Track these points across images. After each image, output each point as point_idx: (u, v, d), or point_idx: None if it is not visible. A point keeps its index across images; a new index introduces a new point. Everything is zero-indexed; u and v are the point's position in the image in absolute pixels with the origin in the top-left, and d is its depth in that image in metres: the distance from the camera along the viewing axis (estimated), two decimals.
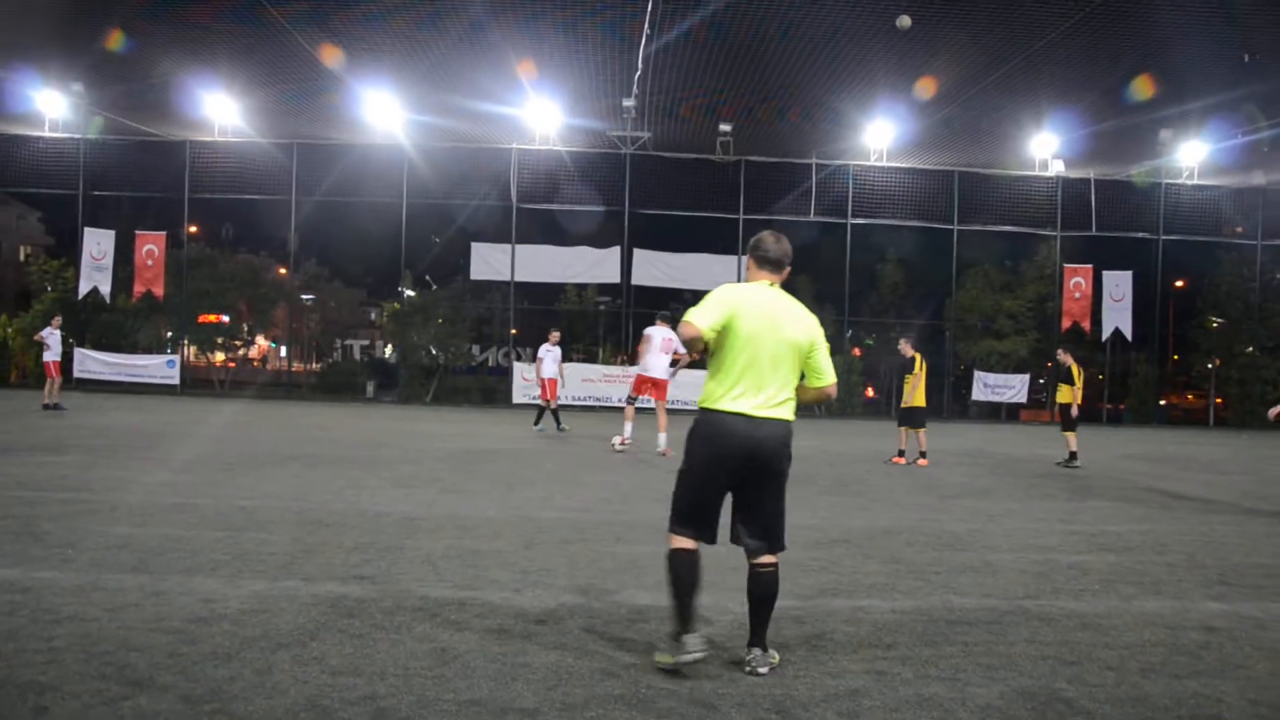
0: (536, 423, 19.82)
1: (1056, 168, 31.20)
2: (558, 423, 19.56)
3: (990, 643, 5.02)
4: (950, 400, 34.59)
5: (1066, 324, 31.98)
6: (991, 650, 4.88)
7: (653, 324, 15.64)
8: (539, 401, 20.41)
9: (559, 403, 20.17)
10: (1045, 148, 29.51)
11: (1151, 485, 13.20)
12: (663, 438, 15.06)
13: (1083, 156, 30.15)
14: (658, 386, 15.45)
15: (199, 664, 4.18)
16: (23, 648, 4.32)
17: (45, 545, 6.54)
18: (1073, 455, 15.66)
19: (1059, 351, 17.46)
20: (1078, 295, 32.24)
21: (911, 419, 15.81)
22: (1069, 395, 16.58)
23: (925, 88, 23.25)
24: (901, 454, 15.69)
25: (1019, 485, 12.78)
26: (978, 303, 32.75)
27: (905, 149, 30.32)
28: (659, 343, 15.18)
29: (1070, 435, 15.93)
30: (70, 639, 4.48)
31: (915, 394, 15.78)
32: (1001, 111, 25.76)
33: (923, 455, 15.25)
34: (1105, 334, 32.31)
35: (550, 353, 19.72)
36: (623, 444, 15.43)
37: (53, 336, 21.53)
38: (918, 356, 15.83)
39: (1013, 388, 32.10)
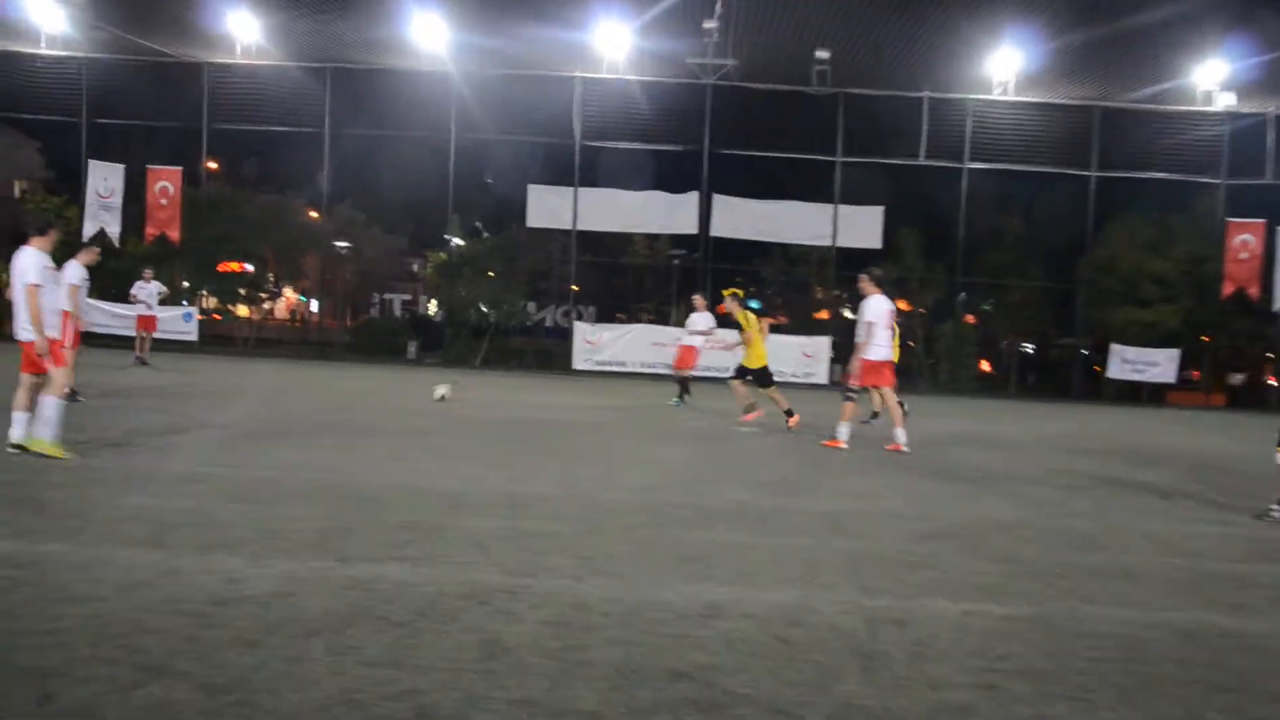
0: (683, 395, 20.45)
1: (1225, 101, 30.17)
2: (681, 394, 20.27)
3: (1125, 660, 4.91)
4: (1080, 378, 33.91)
5: (1229, 290, 30.94)
6: (1126, 669, 4.77)
7: (864, 287, 13.52)
8: (678, 372, 21.15)
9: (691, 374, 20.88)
10: (1212, 77, 28.55)
11: None
12: (901, 434, 13.42)
13: (1259, 87, 29.05)
14: (885, 370, 13.61)
15: (220, 650, 4.26)
16: (26, 629, 4.45)
17: (49, 515, 6.73)
18: None
19: None
20: (1244, 256, 31.07)
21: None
22: None
23: None
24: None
25: (1162, 478, 12.52)
26: (1118, 263, 31.66)
27: (1035, 80, 29.60)
28: (887, 317, 13.36)
29: None
30: (78, 619, 4.60)
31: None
32: (1156, 34, 24.96)
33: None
34: (1278, 303, 31.14)
35: (700, 318, 20.40)
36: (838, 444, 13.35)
37: (144, 290, 23.07)
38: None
39: (1157, 365, 31.12)
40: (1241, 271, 30.99)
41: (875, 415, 17.26)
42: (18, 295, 9.28)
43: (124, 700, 3.69)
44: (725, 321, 18.45)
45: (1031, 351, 38.36)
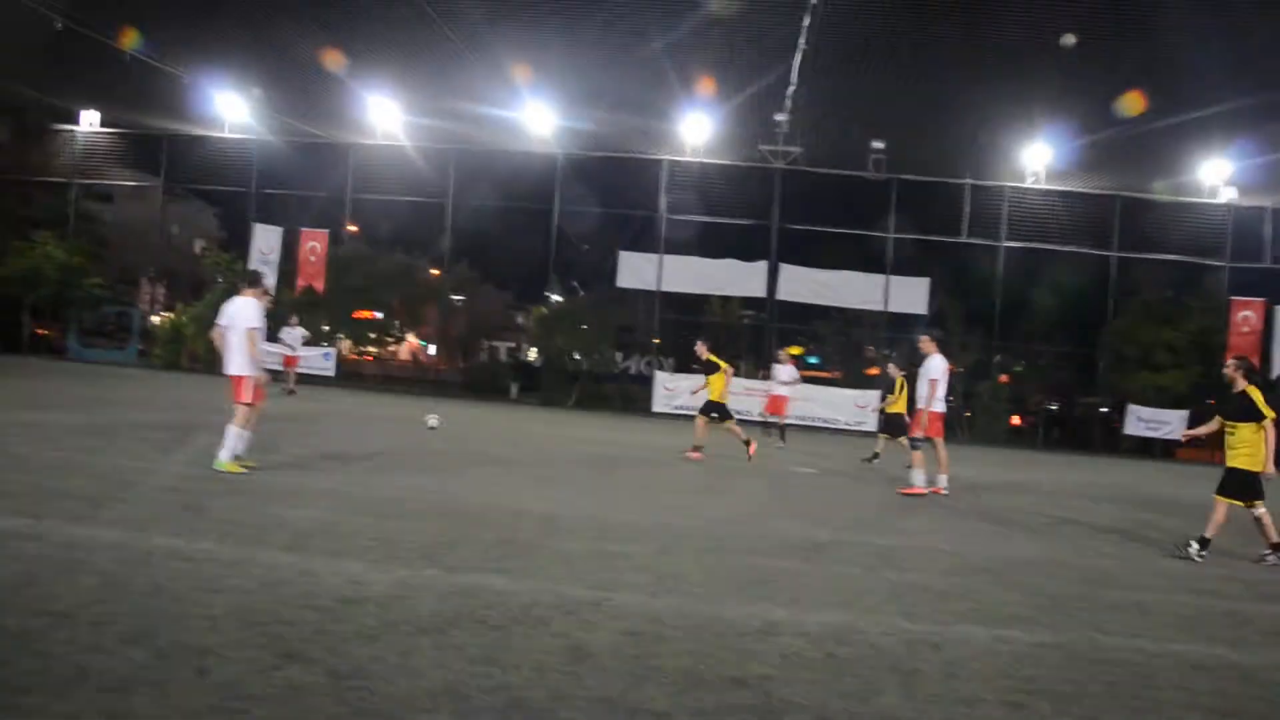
0: (774, 435, 20.85)
1: (1228, 194, 29.62)
2: (777, 436, 20.69)
3: (1136, 685, 4.79)
4: (1100, 433, 33.11)
5: None
6: (1138, 693, 4.66)
7: (925, 347, 13.01)
8: (772, 418, 21.48)
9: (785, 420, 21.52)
10: (1217, 174, 28.08)
11: None
12: (944, 478, 13.10)
13: (1259, 185, 28.55)
14: (938, 422, 13.10)
15: (345, 642, 4.33)
16: (187, 612, 4.57)
17: (207, 519, 6.90)
18: None
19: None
20: (1245, 330, 30.37)
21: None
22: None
23: (1132, 102, 22.14)
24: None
25: (1174, 525, 12.15)
26: (1136, 333, 31.10)
27: (1064, 172, 29.30)
28: (945, 375, 12.94)
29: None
30: (228, 608, 4.71)
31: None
32: (1170, 135, 24.63)
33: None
34: (1275, 371, 30.34)
35: (784, 370, 21.23)
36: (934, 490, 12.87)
37: (290, 335, 24.04)
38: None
39: (1169, 424, 30.39)
40: (1244, 343, 30.25)
41: (876, 456, 17.54)
42: (234, 337, 9.57)
43: (265, 680, 3.76)
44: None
45: (1057, 409, 37.55)
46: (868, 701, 4.17)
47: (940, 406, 12.89)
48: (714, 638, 4.97)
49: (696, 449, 15.58)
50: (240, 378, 9.58)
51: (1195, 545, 9.05)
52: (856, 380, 30.97)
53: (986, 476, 17.54)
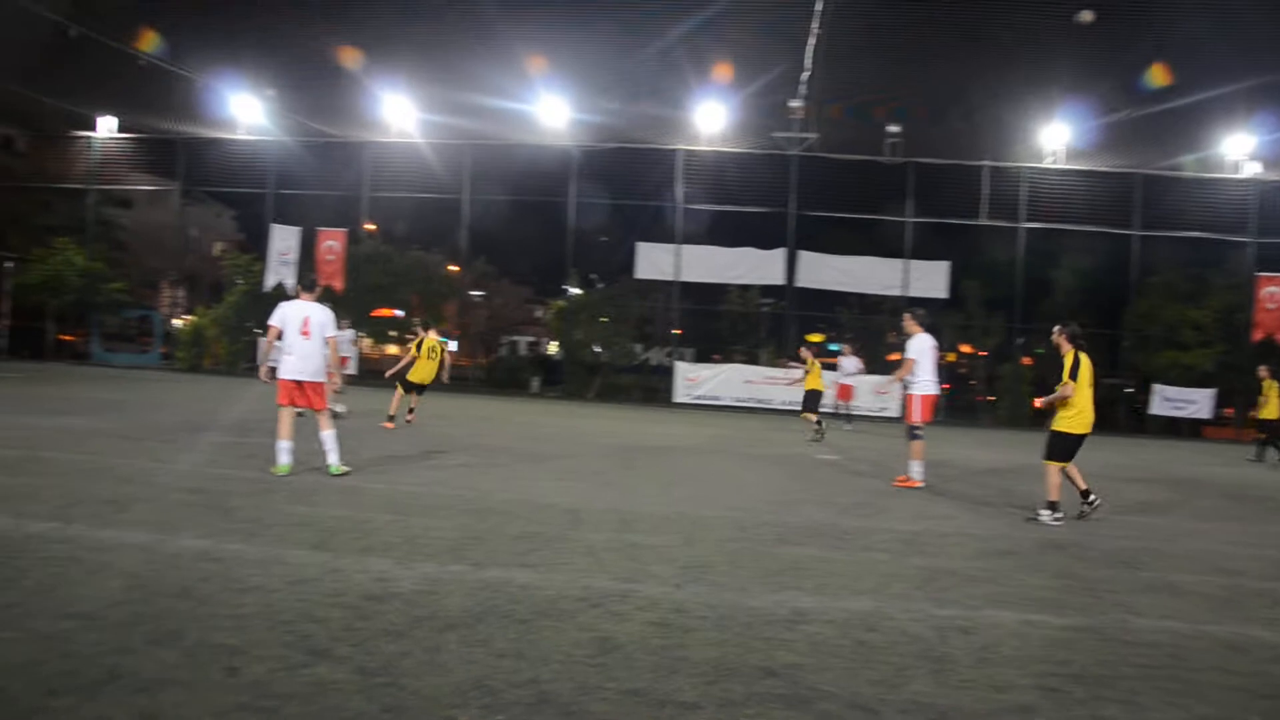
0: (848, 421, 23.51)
1: (1253, 169, 29.29)
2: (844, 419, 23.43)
3: (1171, 667, 4.74)
4: (1125, 414, 32.84)
5: (1258, 336, 29.86)
6: (1174, 675, 4.60)
7: (908, 325, 12.30)
8: (843, 405, 23.94)
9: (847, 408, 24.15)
10: (1241, 148, 27.77)
11: None
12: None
13: None
14: (926, 404, 12.14)
15: (373, 639, 4.34)
16: (215, 612, 4.60)
17: (233, 520, 6.93)
18: None
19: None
20: (1271, 306, 30.03)
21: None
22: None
23: (1157, 74, 21.88)
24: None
25: (1202, 504, 12.05)
26: (1160, 312, 30.82)
27: (1083, 151, 29.05)
28: (931, 353, 12.05)
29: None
30: (256, 607, 4.73)
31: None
32: (1191, 111, 24.36)
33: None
34: None
35: (850, 362, 23.80)
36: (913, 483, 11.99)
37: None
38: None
39: (1194, 402, 30.17)
40: (1270, 319, 29.99)
41: (819, 427, 18.62)
42: (313, 344, 9.56)
43: (294, 678, 3.78)
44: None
45: None
46: (899, 688, 4.15)
47: (925, 389, 11.91)
48: (741, 627, 4.95)
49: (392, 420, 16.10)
50: (321, 383, 9.66)
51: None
52: (878, 367, 30.87)
53: (1011, 460, 17.43)
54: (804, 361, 19.44)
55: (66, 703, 3.42)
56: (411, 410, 16.77)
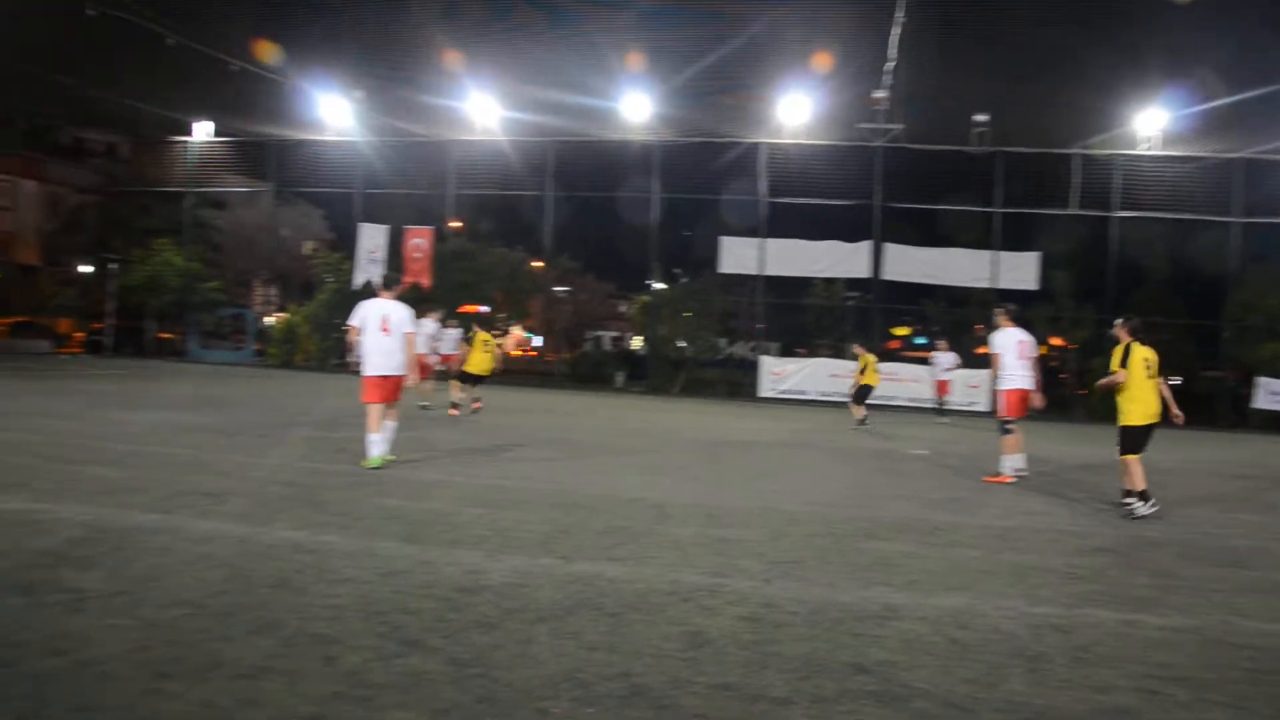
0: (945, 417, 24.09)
1: None
2: (940, 413, 24.36)
3: None
4: (1227, 408, 31.68)
5: None
6: None
7: (998, 319, 12.09)
8: (941, 400, 24.72)
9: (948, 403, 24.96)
10: None
11: None
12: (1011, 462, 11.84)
13: None
14: (1015, 399, 11.85)
15: (465, 631, 4.39)
16: (311, 603, 4.70)
17: (326, 512, 7.08)
18: None
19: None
20: None
21: None
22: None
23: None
24: None
25: None
26: (1262, 301, 29.57)
27: (1179, 137, 28.07)
28: (1017, 349, 11.83)
29: None
30: (350, 599, 4.82)
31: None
32: None
33: None
34: None
35: (946, 357, 24.26)
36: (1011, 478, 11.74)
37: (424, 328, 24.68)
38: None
39: None
40: None
41: (863, 421, 18.83)
42: (393, 340, 9.74)
43: (389, 668, 3.84)
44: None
45: (1179, 384, 36.13)
46: (994, 688, 4.06)
47: (1015, 384, 11.68)
48: (832, 623, 4.90)
49: (455, 406, 16.84)
50: (402, 377, 9.83)
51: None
52: (967, 361, 30.35)
53: (1104, 456, 16.92)
54: (856, 358, 20.03)
55: (175, 687, 3.53)
56: (477, 400, 17.31)
